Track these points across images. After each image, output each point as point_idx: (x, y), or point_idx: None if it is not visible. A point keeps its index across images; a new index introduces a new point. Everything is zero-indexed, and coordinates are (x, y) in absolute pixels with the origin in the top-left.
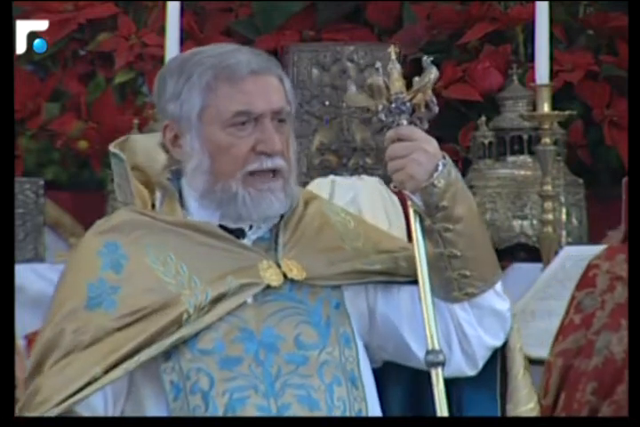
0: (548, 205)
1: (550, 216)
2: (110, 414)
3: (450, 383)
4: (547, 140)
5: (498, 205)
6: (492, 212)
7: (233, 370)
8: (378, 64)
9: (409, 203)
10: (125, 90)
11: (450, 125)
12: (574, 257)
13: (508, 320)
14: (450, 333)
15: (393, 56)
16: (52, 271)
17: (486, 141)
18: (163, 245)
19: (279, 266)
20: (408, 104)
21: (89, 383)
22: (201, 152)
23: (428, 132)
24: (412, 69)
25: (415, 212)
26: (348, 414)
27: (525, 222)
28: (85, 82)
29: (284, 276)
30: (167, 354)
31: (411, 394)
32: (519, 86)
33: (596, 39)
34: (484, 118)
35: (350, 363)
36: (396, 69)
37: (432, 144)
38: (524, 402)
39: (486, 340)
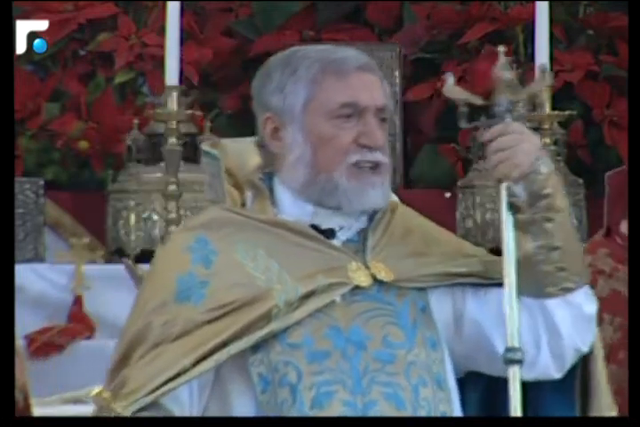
0: None
1: None
2: (195, 406)
3: (527, 387)
4: (547, 140)
5: (498, 205)
6: (492, 212)
7: (321, 364)
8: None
9: (503, 197)
10: (125, 90)
11: (450, 125)
12: None
13: (595, 325)
14: (539, 333)
15: (502, 57)
16: (52, 271)
17: None
18: (253, 242)
19: (367, 268)
20: (517, 102)
21: (177, 375)
22: (303, 144)
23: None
24: (412, 69)
25: (509, 204)
26: (432, 415)
27: None
28: (85, 82)
29: (373, 278)
30: (255, 347)
31: (487, 402)
32: (519, 86)
33: (596, 39)
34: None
35: (436, 365)
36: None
37: (537, 138)
38: (607, 410)
39: (576, 341)
